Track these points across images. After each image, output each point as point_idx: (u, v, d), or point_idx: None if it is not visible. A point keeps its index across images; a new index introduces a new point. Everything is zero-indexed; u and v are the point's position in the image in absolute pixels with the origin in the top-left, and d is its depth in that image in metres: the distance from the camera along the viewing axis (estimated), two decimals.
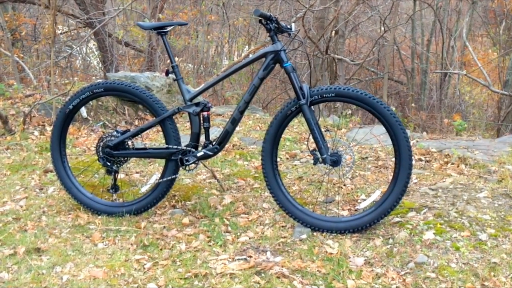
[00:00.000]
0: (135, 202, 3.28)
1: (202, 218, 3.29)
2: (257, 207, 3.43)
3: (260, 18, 2.94)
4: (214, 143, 3.16)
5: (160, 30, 3.15)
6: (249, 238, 2.99)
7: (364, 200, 3.26)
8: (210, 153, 3.15)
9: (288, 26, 3.00)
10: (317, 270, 2.59)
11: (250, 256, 2.76)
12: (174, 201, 3.53)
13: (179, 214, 3.32)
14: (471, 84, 12.92)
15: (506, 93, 7.40)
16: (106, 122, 5.37)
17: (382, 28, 11.95)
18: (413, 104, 8.98)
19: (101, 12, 8.39)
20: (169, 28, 3.16)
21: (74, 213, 3.34)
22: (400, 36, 12.76)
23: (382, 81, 12.60)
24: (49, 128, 5.26)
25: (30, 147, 4.68)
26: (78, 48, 11.34)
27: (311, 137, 3.00)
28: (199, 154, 3.15)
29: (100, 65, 12.39)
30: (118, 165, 3.27)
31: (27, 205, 3.48)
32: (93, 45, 12.44)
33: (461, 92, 11.27)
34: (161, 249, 2.86)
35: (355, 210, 3.29)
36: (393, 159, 4.12)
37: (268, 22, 2.93)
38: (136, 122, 5.79)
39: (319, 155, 3.01)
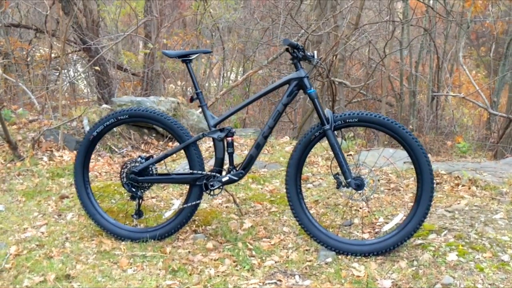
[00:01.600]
0: (159, 227, 3.31)
1: (224, 242, 3.32)
2: (277, 231, 3.47)
3: (287, 47, 3.03)
4: (238, 168, 3.22)
5: (185, 58, 3.22)
6: (275, 262, 3.03)
7: (387, 223, 3.32)
8: (235, 178, 3.20)
9: (311, 54, 3.09)
10: None
11: (280, 280, 2.80)
12: (194, 226, 3.56)
13: (202, 239, 3.34)
14: (460, 105, 13.17)
15: (504, 115, 7.58)
16: (130, 148, 5.41)
17: (368, 49, 12.19)
18: (411, 126, 9.14)
19: (97, 37, 8.47)
20: (193, 56, 3.23)
21: (97, 239, 3.36)
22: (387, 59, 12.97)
23: (373, 103, 12.81)
24: (57, 154, 5.26)
25: (41, 173, 4.69)
26: (65, 72, 11.30)
27: (328, 161, 3.08)
28: (224, 179, 3.19)
29: (88, 89, 12.37)
30: (142, 190, 3.30)
31: (49, 232, 3.48)
32: (81, 68, 12.44)
33: (453, 114, 11.45)
34: (190, 274, 2.88)
35: (376, 233, 3.35)
36: (405, 181, 4.23)
37: (295, 50, 3.02)
38: (142, 147, 5.82)
39: (342, 179, 3.07)
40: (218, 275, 2.87)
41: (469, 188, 4.05)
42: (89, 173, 4.52)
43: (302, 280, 2.82)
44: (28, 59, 9.86)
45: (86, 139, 3.35)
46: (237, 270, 2.94)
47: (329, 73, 6.85)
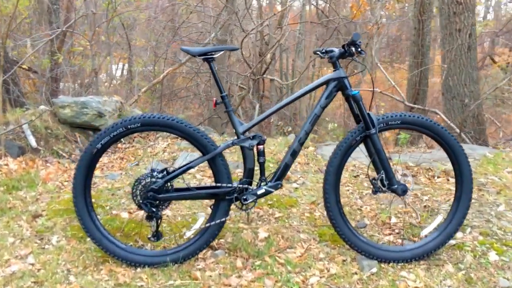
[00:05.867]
0: (182, 248, 2.91)
1: (249, 258, 3.01)
2: (296, 238, 3.24)
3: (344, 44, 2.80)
4: (273, 178, 2.92)
5: (207, 56, 2.82)
6: (320, 278, 2.81)
7: (425, 227, 3.23)
8: (272, 190, 2.90)
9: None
10: None
11: None
12: None
13: (223, 256, 3.01)
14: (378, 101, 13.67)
15: (420, 106, 7.99)
16: (79, 152, 4.77)
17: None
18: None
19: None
20: (217, 54, 2.85)
21: (105, 268, 2.87)
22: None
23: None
24: (1, 162, 4.48)
25: None
26: None
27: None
28: (259, 192, 2.87)
29: None
30: (160, 209, 2.87)
31: (41, 263, 2.91)
32: None
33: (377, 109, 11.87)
34: None
35: (397, 233, 3.27)
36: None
37: (351, 46, 2.78)
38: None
39: (379, 185, 2.92)
40: None
41: (448, 180, 4.13)
42: (49, 185, 3.94)
43: None
44: None
45: (88, 152, 2.82)
46: None
47: (266, 71, 6.76)
